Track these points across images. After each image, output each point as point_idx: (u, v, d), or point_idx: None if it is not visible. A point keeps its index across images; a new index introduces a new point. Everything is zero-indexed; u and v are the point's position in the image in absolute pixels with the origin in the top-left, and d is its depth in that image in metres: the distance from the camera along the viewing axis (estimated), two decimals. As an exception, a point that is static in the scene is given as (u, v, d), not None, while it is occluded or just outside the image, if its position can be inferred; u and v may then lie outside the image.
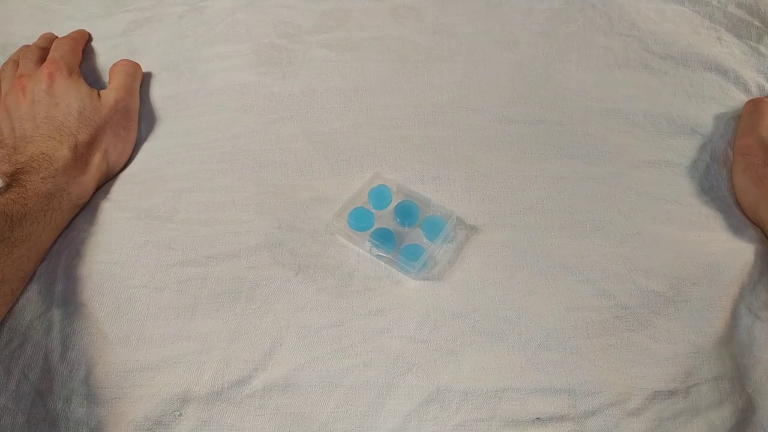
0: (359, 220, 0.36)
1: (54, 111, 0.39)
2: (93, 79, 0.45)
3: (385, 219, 0.37)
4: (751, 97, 0.43)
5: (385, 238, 0.35)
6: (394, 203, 0.37)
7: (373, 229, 0.36)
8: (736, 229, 0.37)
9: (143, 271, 0.35)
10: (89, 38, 0.47)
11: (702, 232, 0.37)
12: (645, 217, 0.37)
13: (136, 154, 0.42)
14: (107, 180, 0.41)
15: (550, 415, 0.31)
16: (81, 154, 0.39)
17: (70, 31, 0.46)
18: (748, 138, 0.40)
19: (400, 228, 0.37)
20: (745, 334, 0.33)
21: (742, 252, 0.36)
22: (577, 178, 0.39)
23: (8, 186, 0.36)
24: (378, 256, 0.36)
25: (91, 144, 0.40)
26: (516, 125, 0.41)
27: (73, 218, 0.39)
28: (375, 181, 0.38)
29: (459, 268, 0.35)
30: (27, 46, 0.45)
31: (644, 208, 0.38)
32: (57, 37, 0.46)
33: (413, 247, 0.35)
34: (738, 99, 0.43)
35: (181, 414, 0.31)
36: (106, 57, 0.46)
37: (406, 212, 0.36)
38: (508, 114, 0.42)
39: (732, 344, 0.33)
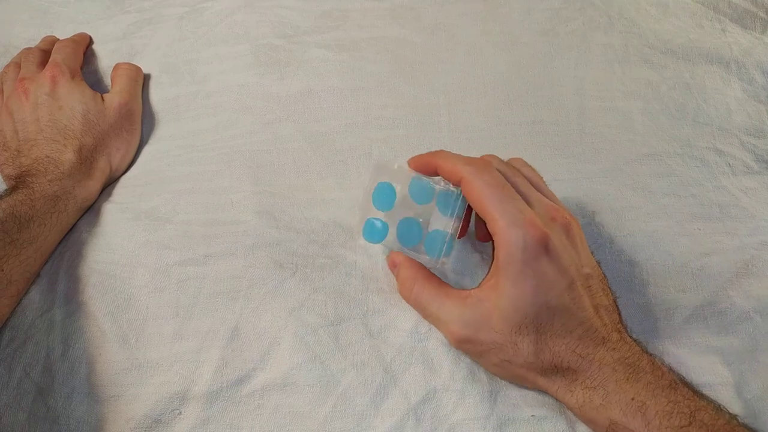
0: (372, 235, 0.34)
1: (57, 114, 0.40)
2: (94, 82, 0.46)
3: (398, 211, 0.34)
4: (754, 88, 0.42)
5: (408, 236, 0.33)
6: (404, 186, 0.34)
7: (388, 237, 0.34)
8: (738, 219, 0.37)
9: (143, 271, 0.36)
10: (90, 41, 0.47)
11: (702, 224, 0.37)
12: (639, 214, 0.37)
13: (138, 156, 0.43)
14: (110, 182, 0.41)
15: (545, 413, 0.31)
16: (86, 158, 0.39)
17: (72, 34, 0.47)
18: None
19: (418, 207, 0.34)
20: (747, 339, 0.33)
21: (743, 248, 0.36)
22: (571, 178, 0.39)
23: (15, 188, 0.36)
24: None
25: (96, 148, 0.40)
26: (513, 127, 0.41)
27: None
28: (377, 178, 0.34)
29: (456, 267, 0.35)
30: (28, 49, 0.45)
31: (639, 204, 0.38)
32: (58, 39, 0.46)
33: (435, 234, 0.32)
34: (741, 89, 0.42)
35: (180, 413, 0.32)
36: (107, 60, 0.46)
37: (419, 192, 0.33)
38: (505, 115, 0.42)
39: (725, 351, 0.33)
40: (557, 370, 0.28)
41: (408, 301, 0.33)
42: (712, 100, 0.42)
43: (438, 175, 0.32)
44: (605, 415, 0.27)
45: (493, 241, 0.30)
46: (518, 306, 0.28)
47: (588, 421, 0.28)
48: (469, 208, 0.33)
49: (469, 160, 0.30)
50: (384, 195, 0.34)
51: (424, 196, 0.33)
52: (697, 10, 0.45)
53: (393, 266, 0.34)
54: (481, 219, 0.30)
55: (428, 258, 0.32)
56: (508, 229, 0.28)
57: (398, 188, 0.33)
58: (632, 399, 0.27)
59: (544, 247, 0.28)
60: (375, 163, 0.34)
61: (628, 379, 0.27)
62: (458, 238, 0.34)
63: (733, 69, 0.43)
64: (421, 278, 0.32)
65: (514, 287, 0.28)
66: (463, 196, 0.31)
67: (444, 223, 0.32)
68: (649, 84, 0.43)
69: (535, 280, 0.28)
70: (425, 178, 0.33)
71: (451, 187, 0.32)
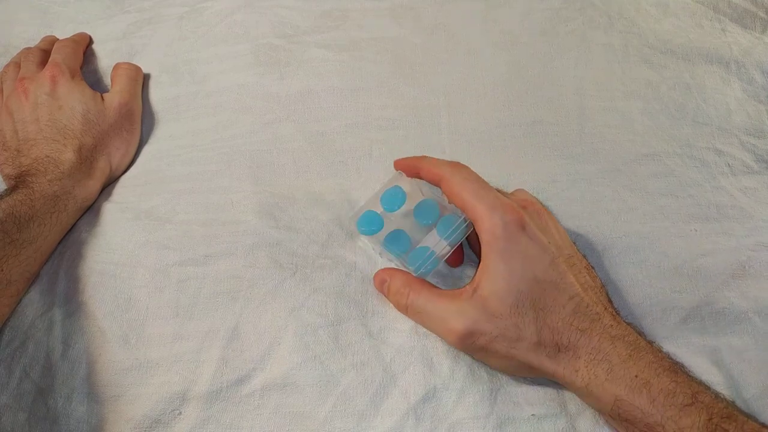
0: (364, 225, 0.34)
1: (57, 114, 0.40)
2: (94, 82, 0.46)
3: (399, 220, 0.35)
4: (754, 88, 0.42)
5: (395, 243, 0.34)
6: (412, 203, 0.35)
7: (383, 232, 0.34)
8: (736, 220, 0.37)
9: (143, 271, 0.36)
10: (90, 41, 0.47)
11: (699, 225, 0.37)
12: (635, 215, 0.37)
13: (137, 156, 0.43)
14: (110, 182, 0.41)
15: (545, 412, 0.31)
16: (86, 158, 0.39)
17: (72, 34, 0.47)
18: None
19: (418, 227, 0.35)
20: (745, 338, 0.33)
21: (739, 249, 0.36)
22: (569, 179, 0.39)
23: (15, 188, 0.36)
24: (389, 260, 0.35)
25: (96, 147, 0.40)
26: (512, 128, 0.41)
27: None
28: (395, 181, 0.35)
29: (454, 268, 0.35)
30: (28, 49, 0.45)
31: (636, 205, 0.38)
32: (58, 39, 0.46)
33: (422, 249, 0.33)
34: (741, 89, 0.42)
35: (180, 413, 0.32)
36: (107, 59, 0.46)
37: (426, 212, 0.34)
38: (505, 116, 0.42)
39: (723, 351, 0.33)
40: (559, 348, 0.29)
41: (403, 309, 0.33)
42: (712, 100, 0.42)
43: (421, 178, 0.34)
44: (611, 392, 0.27)
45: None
46: (510, 284, 0.29)
47: (594, 401, 0.29)
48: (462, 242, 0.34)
49: (449, 162, 0.32)
50: (394, 198, 0.34)
51: (428, 217, 0.34)
52: (697, 10, 0.45)
53: (381, 283, 0.34)
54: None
55: (408, 269, 0.33)
56: (487, 214, 0.30)
57: (409, 199, 0.34)
58: (636, 376, 0.27)
59: (522, 226, 0.30)
60: (399, 170, 0.35)
61: (630, 356, 0.28)
62: (454, 266, 0.35)
63: (733, 69, 0.43)
64: (415, 285, 0.32)
65: (503, 265, 0.29)
66: (465, 225, 0.32)
67: (435, 243, 0.33)
68: (649, 84, 0.43)
69: (520, 256, 0.29)
70: (437, 201, 0.34)
71: (459, 213, 0.33)
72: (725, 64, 0.43)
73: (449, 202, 0.33)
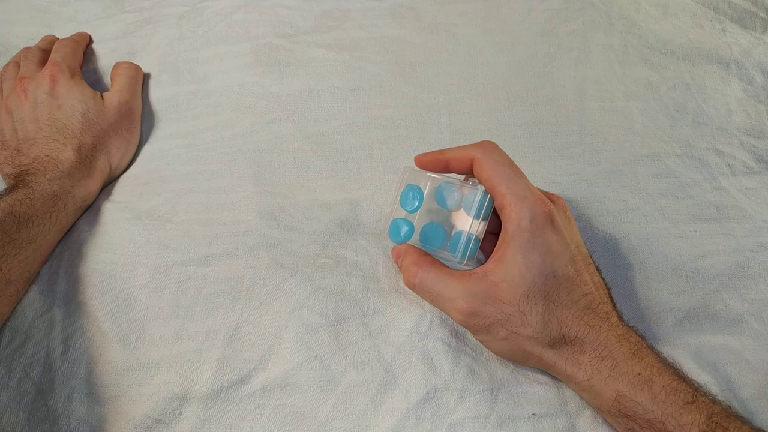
0: (397, 236, 0.33)
1: (57, 113, 0.40)
2: (93, 81, 0.46)
3: (427, 214, 0.34)
4: (754, 88, 0.42)
5: (431, 239, 0.33)
6: (431, 192, 0.34)
7: (414, 237, 0.33)
8: (735, 221, 0.37)
9: (143, 271, 0.36)
10: (90, 40, 0.47)
11: (698, 226, 0.37)
12: (635, 216, 0.37)
13: (137, 156, 0.42)
14: (110, 182, 0.41)
15: (545, 411, 0.31)
16: (85, 157, 0.39)
17: (71, 33, 0.47)
18: None
19: (446, 214, 0.34)
20: (742, 340, 0.33)
21: (738, 250, 0.36)
22: (569, 181, 0.39)
23: (14, 187, 0.36)
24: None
25: (96, 147, 0.40)
26: (513, 128, 0.41)
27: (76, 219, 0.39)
28: (406, 180, 0.34)
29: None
30: (28, 48, 0.45)
31: (636, 206, 0.38)
32: (58, 38, 0.46)
33: (459, 235, 0.32)
34: (741, 89, 0.43)
35: (180, 413, 0.32)
36: (106, 59, 0.46)
37: (446, 197, 0.33)
38: (505, 116, 0.42)
39: (720, 352, 0.33)
40: (565, 340, 0.29)
41: (412, 287, 0.33)
42: (712, 100, 0.42)
43: (449, 172, 0.33)
44: (613, 387, 0.28)
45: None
46: (525, 274, 0.29)
47: (594, 395, 0.29)
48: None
49: (478, 143, 0.32)
50: (411, 197, 0.34)
51: (450, 200, 0.33)
52: (697, 10, 0.46)
53: (397, 257, 0.34)
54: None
55: (453, 260, 0.32)
56: (517, 203, 0.29)
57: (426, 192, 0.34)
58: (638, 374, 0.27)
59: (551, 220, 0.30)
60: (405, 166, 0.34)
61: (634, 355, 0.28)
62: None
63: (733, 69, 0.43)
64: (425, 263, 0.32)
65: (522, 256, 0.29)
66: (490, 198, 0.31)
67: (468, 225, 0.32)
68: (649, 84, 0.43)
69: (542, 249, 0.29)
70: (453, 182, 0.33)
71: (478, 186, 0.32)
72: (725, 64, 0.43)
73: (471, 182, 0.32)
